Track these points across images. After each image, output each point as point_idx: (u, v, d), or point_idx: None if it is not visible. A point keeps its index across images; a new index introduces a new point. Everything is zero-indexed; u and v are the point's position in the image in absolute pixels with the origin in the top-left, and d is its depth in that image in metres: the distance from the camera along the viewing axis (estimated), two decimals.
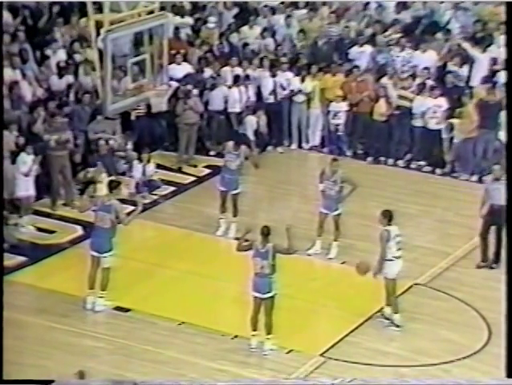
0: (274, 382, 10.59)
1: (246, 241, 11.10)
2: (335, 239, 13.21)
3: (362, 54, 17.11)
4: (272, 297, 10.89)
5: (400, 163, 16.33)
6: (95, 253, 11.71)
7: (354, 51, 17.24)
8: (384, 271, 11.46)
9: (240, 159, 13.51)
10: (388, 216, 11.41)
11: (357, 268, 11.52)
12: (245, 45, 17.45)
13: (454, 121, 15.80)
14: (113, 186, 11.85)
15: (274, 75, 16.55)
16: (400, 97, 16.13)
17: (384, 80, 16.42)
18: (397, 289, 11.71)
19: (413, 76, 16.37)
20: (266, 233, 10.84)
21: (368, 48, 17.17)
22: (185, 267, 12.75)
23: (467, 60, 16.44)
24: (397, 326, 11.56)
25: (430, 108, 15.80)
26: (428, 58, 16.72)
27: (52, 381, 9.64)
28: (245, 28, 17.78)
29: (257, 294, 10.91)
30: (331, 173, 13.01)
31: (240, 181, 13.60)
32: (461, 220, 14.20)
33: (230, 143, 13.63)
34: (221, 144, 14.51)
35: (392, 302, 11.59)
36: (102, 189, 13.40)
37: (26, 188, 13.72)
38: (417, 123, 16.02)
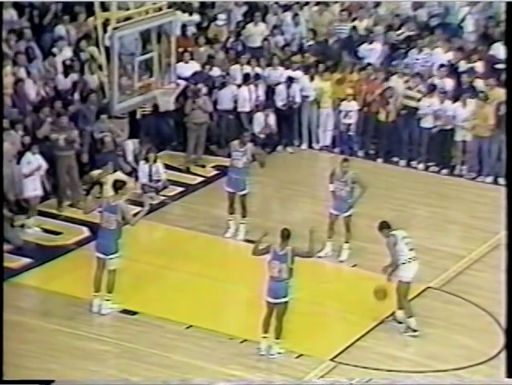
0: (286, 382, 10.48)
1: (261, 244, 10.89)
2: (346, 241, 13.01)
3: (371, 52, 16.93)
4: (286, 302, 10.70)
5: (413, 164, 16.14)
6: (101, 255, 11.52)
7: (363, 49, 17.04)
8: (398, 274, 11.24)
9: (246, 156, 13.29)
10: (385, 226, 11.33)
11: (375, 294, 11.31)
12: (263, 41, 17.27)
13: (468, 122, 15.57)
14: (118, 186, 11.65)
15: (288, 87, 16.29)
16: (407, 97, 15.93)
17: (394, 79, 16.21)
18: (410, 292, 11.50)
19: (422, 76, 16.15)
20: (286, 235, 10.67)
21: (378, 46, 16.98)
22: (193, 269, 12.58)
23: (483, 58, 16.22)
24: (414, 331, 11.32)
25: (442, 110, 15.59)
26: (441, 56, 16.53)
27: (52, 381, 9.52)
28: (250, 25, 17.62)
29: (271, 300, 10.70)
30: (342, 174, 12.81)
31: (247, 182, 13.39)
32: (476, 223, 14.05)
33: (236, 141, 13.43)
34: (228, 146, 14.31)
35: (405, 306, 11.36)
36: (108, 190, 13.27)
37: (33, 188, 13.58)
38: (428, 123, 15.80)
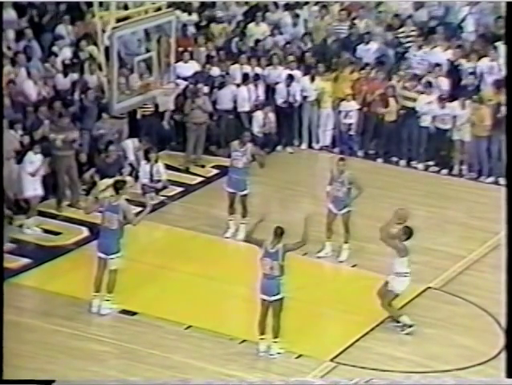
0: (286, 382, 10.46)
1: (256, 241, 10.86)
2: (345, 241, 12.97)
3: (369, 52, 16.90)
4: (280, 299, 10.68)
5: (413, 164, 16.12)
6: (102, 255, 11.49)
7: (360, 49, 17.03)
8: (391, 285, 11.21)
9: (246, 156, 13.25)
10: (408, 234, 11.17)
11: (395, 214, 11.16)
12: (257, 41, 17.28)
13: (466, 122, 15.55)
14: (119, 186, 11.62)
15: (288, 85, 16.29)
16: (405, 98, 15.91)
17: (393, 79, 16.21)
18: (410, 292, 11.53)
19: (420, 77, 16.12)
20: (279, 233, 10.66)
21: (375, 45, 16.95)
22: (193, 269, 12.56)
23: (485, 55, 16.18)
24: (410, 326, 11.29)
25: (440, 115, 15.58)
26: (440, 55, 16.51)
27: (53, 381, 9.50)
28: (251, 25, 17.60)
29: (264, 297, 10.71)
30: (339, 174, 12.78)
31: (248, 182, 13.35)
32: (476, 223, 14.04)
33: (236, 141, 13.40)
34: (227, 146, 14.28)
35: (389, 311, 11.34)
36: (108, 191, 13.24)
37: (33, 189, 13.55)
38: (427, 123, 15.78)
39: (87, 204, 12.66)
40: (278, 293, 10.67)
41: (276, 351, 10.85)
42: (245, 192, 13.37)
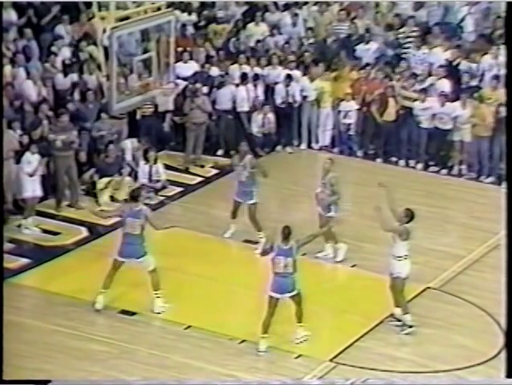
0: (284, 382, 10.45)
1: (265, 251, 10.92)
2: (335, 242, 12.85)
3: (368, 52, 16.91)
4: (299, 293, 10.76)
5: (412, 163, 16.11)
6: (126, 260, 11.43)
7: (360, 49, 17.02)
8: (395, 271, 11.20)
9: (247, 169, 13.15)
10: (409, 216, 11.21)
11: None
12: (258, 42, 17.28)
13: (467, 122, 15.54)
14: (136, 194, 11.63)
15: (287, 85, 16.29)
16: (404, 97, 15.92)
17: (393, 79, 16.23)
18: (409, 292, 11.51)
19: (417, 76, 16.10)
20: (287, 233, 10.73)
21: (374, 45, 16.95)
22: (192, 269, 12.56)
23: (485, 53, 16.19)
24: (410, 327, 11.29)
25: (439, 114, 15.57)
26: (440, 55, 16.51)
27: (49, 381, 9.52)
28: (251, 25, 17.61)
29: (278, 295, 10.71)
30: (324, 174, 12.73)
31: (255, 192, 13.11)
32: (475, 223, 14.04)
33: (235, 156, 13.33)
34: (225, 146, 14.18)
35: (402, 303, 11.35)
36: (107, 190, 13.29)
37: (32, 189, 13.54)
38: (426, 123, 15.78)
39: (99, 211, 12.60)
40: (293, 290, 10.75)
41: (302, 335, 10.86)
42: (252, 202, 13.20)
